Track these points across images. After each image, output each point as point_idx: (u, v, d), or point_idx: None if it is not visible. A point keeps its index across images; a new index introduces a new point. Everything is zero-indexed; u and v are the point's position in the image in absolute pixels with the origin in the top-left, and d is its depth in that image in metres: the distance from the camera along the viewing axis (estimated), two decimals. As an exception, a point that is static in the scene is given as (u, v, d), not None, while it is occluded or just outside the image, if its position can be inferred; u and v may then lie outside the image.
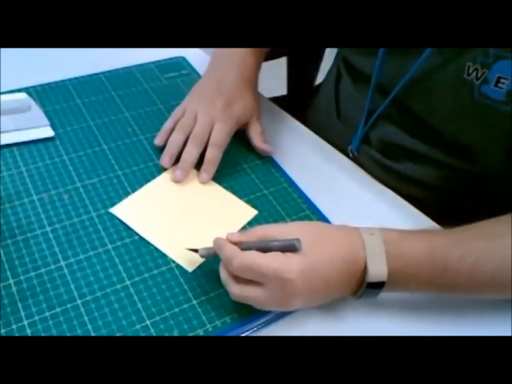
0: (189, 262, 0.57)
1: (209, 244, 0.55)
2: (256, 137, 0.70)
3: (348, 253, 0.52)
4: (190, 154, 0.66)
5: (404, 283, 0.53)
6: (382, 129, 0.72)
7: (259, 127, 0.71)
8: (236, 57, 0.73)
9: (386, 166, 0.73)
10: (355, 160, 0.76)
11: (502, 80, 0.57)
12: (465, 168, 0.66)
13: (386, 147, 0.73)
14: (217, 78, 0.71)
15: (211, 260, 0.57)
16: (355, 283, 0.52)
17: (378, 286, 0.52)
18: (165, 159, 0.67)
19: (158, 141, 0.69)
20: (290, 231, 0.52)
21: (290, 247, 0.50)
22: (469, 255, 0.52)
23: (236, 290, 0.51)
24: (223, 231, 0.54)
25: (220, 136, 0.66)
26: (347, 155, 0.76)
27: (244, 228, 0.62)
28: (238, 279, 0.51)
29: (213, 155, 0.66)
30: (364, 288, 0.52)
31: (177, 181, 0.66)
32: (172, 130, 0.68)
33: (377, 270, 0.51)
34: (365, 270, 0.51)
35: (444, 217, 0.63)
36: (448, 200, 0.71)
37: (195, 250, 0.55)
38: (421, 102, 0.66)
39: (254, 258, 0.50)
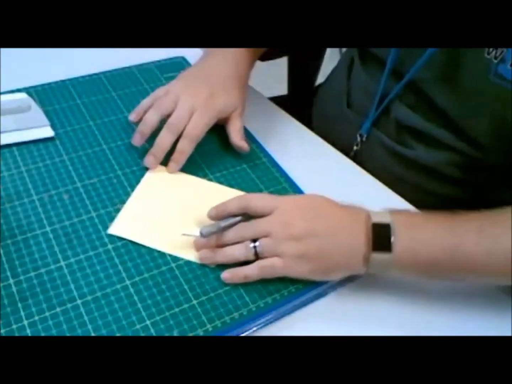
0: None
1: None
2: (234, 133, 0.69)
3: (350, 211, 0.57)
4: (165, 140, 0.64)
5: (412, 234, 0.54)
6: (395, 112, 0.71)
7: (238, 124, 0.70)
8: (229, 53, 0.72)
9: (396, 153, 0.73)
10: (364, 146, 0.75)
11: None
12: (474, 155, 0.66)
13: (398, 131, 0.72)
14: (207, 70, 0.71)
15: (211, 260, 0.57)
16: (362, 226, 0.54)
17: (384, 229, 0.53)
18: (137, 137, 0.66)
19: (133, 116, 0.69)
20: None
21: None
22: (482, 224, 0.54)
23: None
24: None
25: (197, 127, 0.65)
26: (355, 143, 0.76)
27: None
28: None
29: (185, 146, 0.65)
30: (372, 230, 0.53)
31: (149, 167, 0.65)
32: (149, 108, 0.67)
33: (380, 213, 0.55)
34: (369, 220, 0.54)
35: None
36: (457, 192, 0.70)
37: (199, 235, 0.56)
38: (437, 84, 0.65)
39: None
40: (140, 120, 0.67)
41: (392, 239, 0.53)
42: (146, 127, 0.66)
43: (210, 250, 0.57)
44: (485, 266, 0.53)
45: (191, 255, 0.57)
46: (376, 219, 0.54)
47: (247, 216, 0.57)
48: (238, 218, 0.57)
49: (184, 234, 0.58)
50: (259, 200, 0.58)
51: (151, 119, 0.66)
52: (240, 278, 0.55)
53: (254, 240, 0.55)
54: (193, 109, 0.65)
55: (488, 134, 0.63)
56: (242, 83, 0.72)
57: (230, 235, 0.57)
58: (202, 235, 0.56)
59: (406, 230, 0.54)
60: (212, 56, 0.73)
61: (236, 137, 0.69)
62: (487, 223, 0.54)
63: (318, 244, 0.54)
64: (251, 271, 0.55)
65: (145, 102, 0.68)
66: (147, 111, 0.67)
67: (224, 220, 0.57)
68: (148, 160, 0.65)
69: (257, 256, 0.55)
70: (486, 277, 0.55)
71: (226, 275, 0.55)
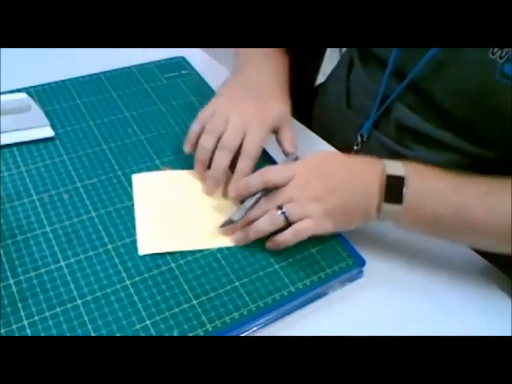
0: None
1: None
2: (287, 143, 0.66)
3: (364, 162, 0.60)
4: (221, 161, 0.62)
5: (423, 187, 0.57)
6: (396, 113, 0.71)
7: (290, 133, 0.67)
8: (265, 59, 0.71)
9: (396, 153, 0.72)
10: (364, 146, 0.75)
11: None
12: (478, 154, 0.66)
13: (399, 132, 0.72)
14: (248, 81, 0.69)
15: (211, 260, 0.57)
16: (377, 176, 0.57)
17: (397, 182, 0.56)
18: (198, 166, 0.64)
19: (187, 147, 0.65)
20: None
21: None
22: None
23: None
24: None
25: (254, 144, 0.63)
26: (356, 143, 0.76)
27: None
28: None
29: (245, 167, 0.62)
30: (385, 181, 0.56)
31: (210, 192, 0.63)
32: (200, 134, 0.64)
33: (394, 165, 0.57)
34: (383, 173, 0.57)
35: None
36: None
37: (230, 222, 0.59)
38: (440, 84, 0.65)
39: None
40: (195, 148, 0.64)
41: (404, 190, 0.56)
42: (204, 154, 0.63)
43: (241, 232, 0.59)
44: (485, 227, 0.56)
45: (226, 242, 0.59)
46: (391, 171, 0.57)
47: (265, 191, 0.59)
48: (259, 194, 0.59)
49: (220, 227, 0.59)
50: (277, 172, 0.60)
51: (207, 145, 0.63)
52: (279, 244, 0.58)
53: (280, 208, 0.57)
54: (245, 124, 0.63)
55: (494, 132, 0.63)
56: (285, 87, 0.70)
57: (256, 212, 0.59)
58: (235, 221, 0.58)
59: (418, 180, 0.57)
60: (247, 66, 0.71)
61: (292, 148, 0.66)
62: (492, 188, 0.57)
63: (338, 198, 0.57)
64: (286, 236, 0.57)
65: (194, 129, 0.65)
66: (200, 137, 0.64)
67: (248, 200, 0.59)
68: (209, 184, 0.63)
69: (287, 222, 0.57)
70: (486, 239, 0.58)
71: (269, 244, 0.58)
